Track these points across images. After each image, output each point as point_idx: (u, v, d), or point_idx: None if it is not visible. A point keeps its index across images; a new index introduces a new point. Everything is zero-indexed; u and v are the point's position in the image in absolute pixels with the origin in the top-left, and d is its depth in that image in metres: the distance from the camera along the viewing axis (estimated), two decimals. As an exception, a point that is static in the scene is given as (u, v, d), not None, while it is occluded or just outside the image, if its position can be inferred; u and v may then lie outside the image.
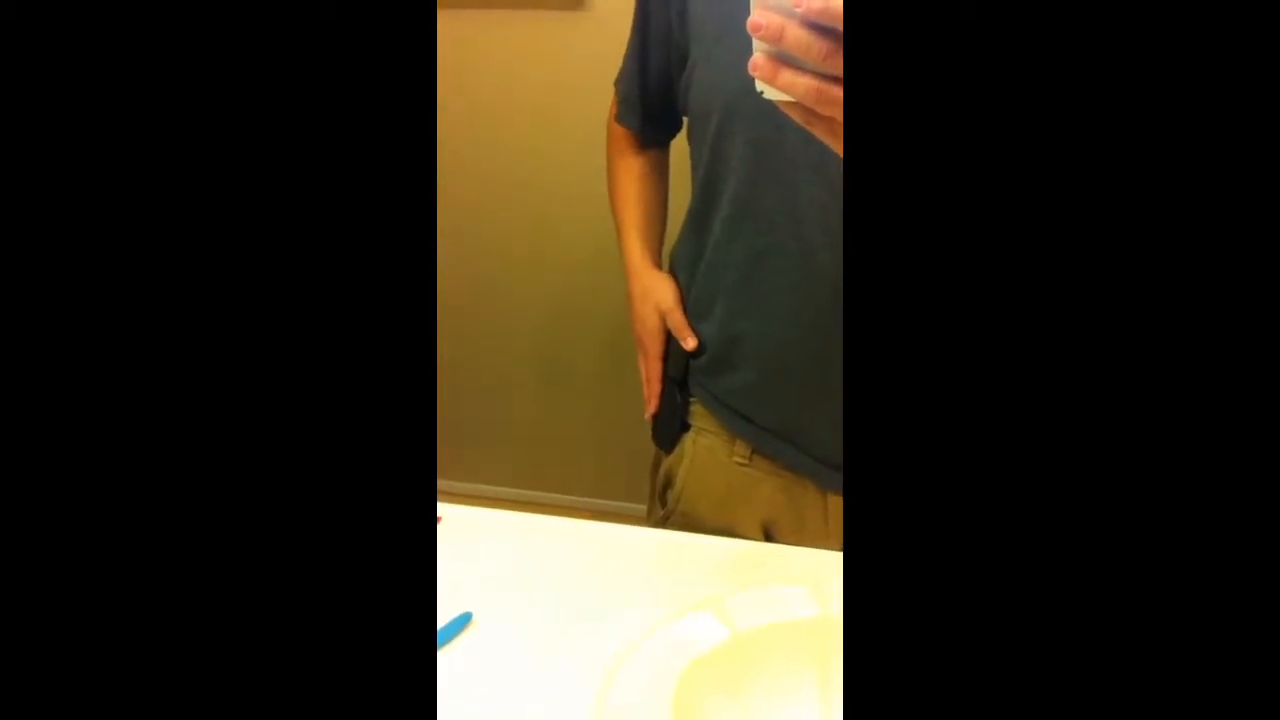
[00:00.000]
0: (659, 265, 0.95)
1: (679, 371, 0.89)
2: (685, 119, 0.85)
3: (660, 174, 0.98)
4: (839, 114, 0.47)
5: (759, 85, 0.48)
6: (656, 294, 0.91)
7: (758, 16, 0.45)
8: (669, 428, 0.91)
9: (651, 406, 0.94)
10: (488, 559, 0.74)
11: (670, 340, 0.90)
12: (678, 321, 0.89)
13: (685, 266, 0.88)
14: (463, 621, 0.65)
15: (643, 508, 0.99)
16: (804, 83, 0.46)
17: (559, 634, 0.65)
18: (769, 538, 0.86)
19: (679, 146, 0.93)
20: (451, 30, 1.69)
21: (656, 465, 0.95)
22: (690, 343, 0.88)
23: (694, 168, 0.84)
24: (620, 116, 0.95)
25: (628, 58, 0.91)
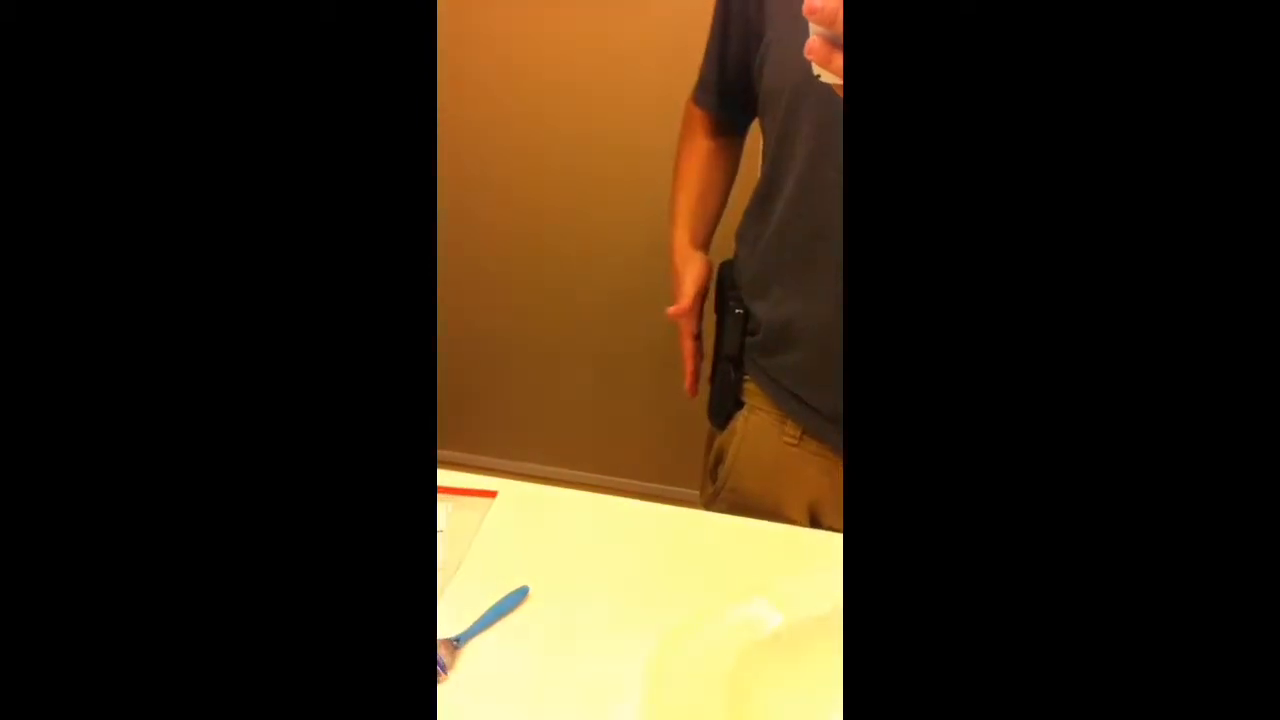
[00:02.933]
0: (703, 249, 0.95)
1: (735, 349, 0.89)
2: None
3: (727, 160, 0.98)
4: None
5: (815, 69, 0.48)
6: (687, 274, 0.92)
7: (813, 0, 0.45)
8: (723, 405, 0.92)
9: (689, 383, 0.95)
10: (545, 535, 0.75)
11: (726, 317, 0.90)
12: (683, 286, 0.91)
13: (747, 244, 0.88)
14: (520, 595, 0.66)
15: (695, 493, 1.00)
16: None
17: (613, 610, 0.66)
18: (814, 519, 0.87)
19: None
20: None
21: (710, 443, 0.95)
22: (674, 308, 0.90)
23: (764, 148, 0.84)
24: (697, 98, 0.95)
25: (709, 40, 0.91)
